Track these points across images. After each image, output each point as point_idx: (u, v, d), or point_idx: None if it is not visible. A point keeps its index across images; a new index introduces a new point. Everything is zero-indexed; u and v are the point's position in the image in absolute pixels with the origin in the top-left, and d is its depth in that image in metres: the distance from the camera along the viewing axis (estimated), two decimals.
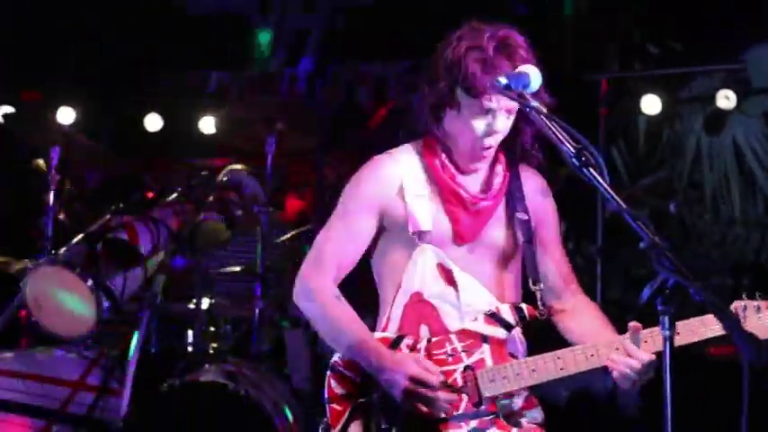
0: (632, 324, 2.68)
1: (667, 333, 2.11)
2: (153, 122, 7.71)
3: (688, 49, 7.02)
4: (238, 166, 5.75)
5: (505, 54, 2.67)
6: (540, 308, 2.80)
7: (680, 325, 2.57)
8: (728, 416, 2.39)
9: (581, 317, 2.89)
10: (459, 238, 2.80)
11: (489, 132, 2.73)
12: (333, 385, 2.79)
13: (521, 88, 2.54)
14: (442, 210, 2.80)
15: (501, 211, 2.86)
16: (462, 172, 2.83)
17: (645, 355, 2.63)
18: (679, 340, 2.57)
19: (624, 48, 7.21)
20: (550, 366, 2.67)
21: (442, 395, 2.65)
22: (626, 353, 2.64)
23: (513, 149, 2.87)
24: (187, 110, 7.66)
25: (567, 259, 2.99)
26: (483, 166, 2.84)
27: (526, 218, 2.85)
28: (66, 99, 7.40)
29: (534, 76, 2.57)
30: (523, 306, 2.79)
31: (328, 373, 2.80)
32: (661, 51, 7.08)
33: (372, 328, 2.83)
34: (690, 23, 7.00)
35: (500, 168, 2.86)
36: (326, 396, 2.79)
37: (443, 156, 2.82)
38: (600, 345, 2.68)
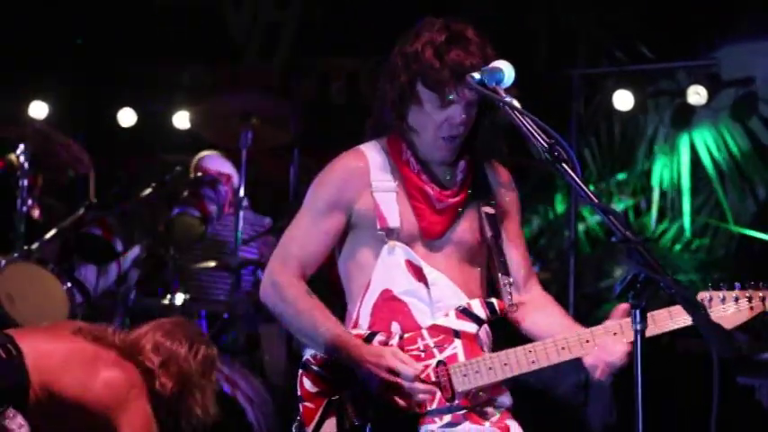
0: (621, 306, 2.68)
1: (639, 327, 2.13)
2: (126, 117, 7.67)
3: (659, 45, 7.07)
4: (212, 152, 5.74)
5: (460, 46, 2.69)
6: (510, 301, 2.81)
7: (647, 316, 2.61)
8: (699, 408, 2.42)
9: (545, 309, 2.90)
10: (425, 234, 2.81)
11: (452, 124, 2.74)
12: (305, 383, 2.77)
13: (494, 83, 2.55)
14: (408, 206, 2.81)
15: (467, 206, 2.86)
16: (427, 168, 2.84)
17: (620, 345, 2.65)
18: (647, 332, 2.60)
19: (596, 44, 7.25)
20: (522, 360, 2.69)
21: (420, 386, 2.66)
22: (598, 344, 2.66)
23: (476, 143, 2.87)
24: (161, 104, 7.63)
25: (528, 253, 3.00)
26: (448, 161, 2.84)
27: (492, 212, 2.86)
28: (39, 93, 7.36)
29: (508, 71, 2.58)
30: (494, 300, 2.79)
31: (300, 371, 2.79)
32: (628, 54, 7.12)
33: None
34: (661, 19, 7.05)
35: (463, 164, 2.86)
36: (299, 394, 2.78)
37: (409, 152, 2.82)
38: (570, 337, 2.70)
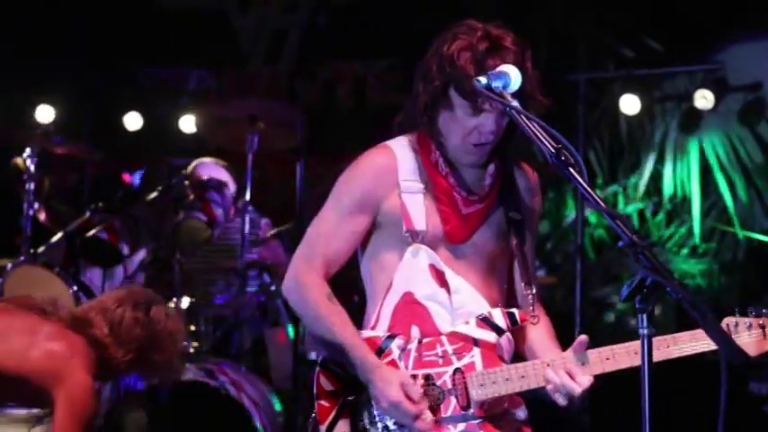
0: (581, 338, 2.65)
1: (645, 331, 2.12)
2: (133, 121, 7.68)
3: (666, 48, 7.05)
4: (208, 159, 5.74)
5: (498, 55, 2.64)
6: (532, 312, 2.79)
7: (669, 338, 2.58)
8: (706, 415, 2.40)
9: (538, 328, 2.84)
10: (449, 238, 2.78)
11: (481, 132, 2.70)
12: (322, 381, 2.76)
13: (501, 88, 2.52)
14: (434, 209, 2.78)
15: (493, 212, 2.83)
16: (456, 171, 2.80)
17: (585, 379, 2.61)
18: (668, 354, 2.57)
19: (602, 48, 7.24)
20: (540, 373, 2.66)
21: (419, 425, 2.63)
22: (568, 373, 2.61)
23: (508, 147, 2.83)
24: (167, 108, 7.64)
25: (534, 262, 2.96)
26: (476, 165, 2.81)
27: (519, 218, 2.83)
28: (45, 97, 7.37)
29: (514, 75, 2.54)
30: (515, 311, 2.76)
31: (317, 369, 2.77)
32: (637, 53, 7.11)
33: (359, 326, 2.82)
34: (667, 23, 7.04)
35: (492, 168, 2.83)
36: (315, 392, 2.76)
37: (438, 153, 2.79)
38: (591, 354, 2.64)
